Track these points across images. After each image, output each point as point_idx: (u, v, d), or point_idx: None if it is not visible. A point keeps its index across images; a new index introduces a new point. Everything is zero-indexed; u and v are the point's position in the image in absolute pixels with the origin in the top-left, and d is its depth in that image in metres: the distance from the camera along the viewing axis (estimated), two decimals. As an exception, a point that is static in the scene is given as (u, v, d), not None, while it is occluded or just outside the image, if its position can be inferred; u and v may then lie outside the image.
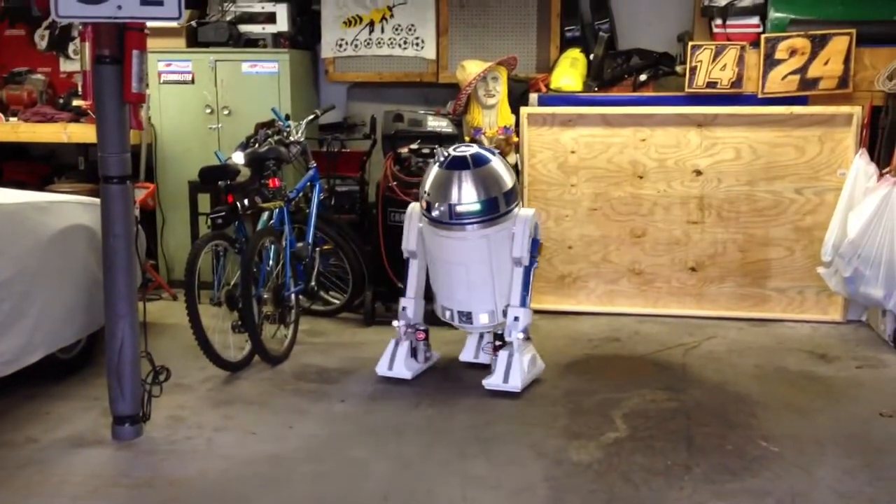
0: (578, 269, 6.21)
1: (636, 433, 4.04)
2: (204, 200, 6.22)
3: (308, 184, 5.63)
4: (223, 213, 4.80)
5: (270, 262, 5.06)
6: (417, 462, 3.75)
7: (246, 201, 4.90)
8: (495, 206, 4.58)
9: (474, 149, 4.70)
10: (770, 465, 3.70)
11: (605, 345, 5.48)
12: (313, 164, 5.68)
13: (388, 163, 5.83)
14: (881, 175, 5.29)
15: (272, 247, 5.08)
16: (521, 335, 4.59)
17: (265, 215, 5.19)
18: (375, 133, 6.21)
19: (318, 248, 5.65)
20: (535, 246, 4.72)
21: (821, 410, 4.33)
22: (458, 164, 4.58)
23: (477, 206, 4.53)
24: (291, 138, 5.47)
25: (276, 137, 5.41)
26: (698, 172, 5.97)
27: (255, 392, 4.61)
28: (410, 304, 4.86)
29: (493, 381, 4.56)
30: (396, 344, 4.82)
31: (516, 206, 4.70)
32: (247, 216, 5.01)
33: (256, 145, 5.31)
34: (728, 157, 5.90)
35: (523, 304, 4.65)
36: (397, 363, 4.78)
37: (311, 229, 5.53)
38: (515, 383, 4.52)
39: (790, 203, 5.87)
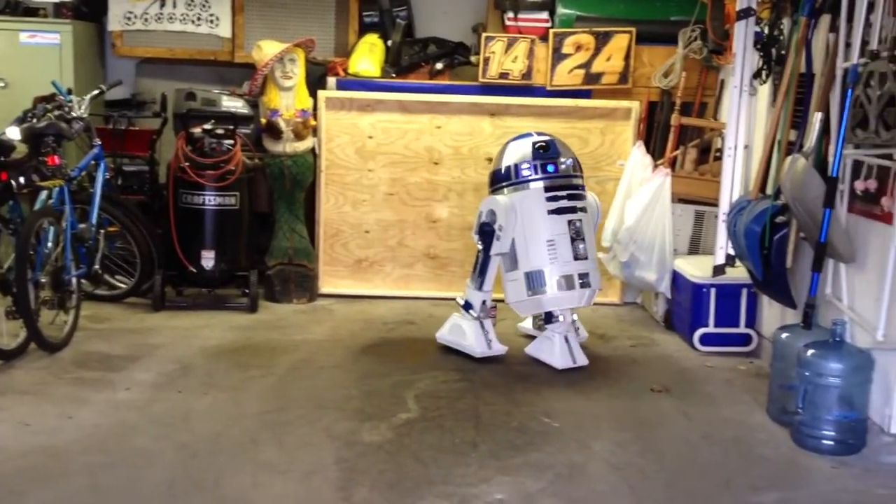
0: (375, 253, 6.27)
1: (427, 413, 4.13)
2: (-25, 178, 5.80)
3: (92, 162, 5.38)
4: (-5, 192, 4.50)
5: (49, 245, 4.78)
6: (205, 450, 3.67)
7: (21, 179, 4.63)
8: (490, 182, 4.97)
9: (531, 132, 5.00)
10: (551, 440, 3.88)
11: (400, 328, 5.56)
12: (97, 141, 5.43)
13: (180, 143, 5.65)
14: (656, 166, 5.65)
15: (51, 228, 4.80)
16: (460, 302, 4.97)
17: (43, 194, 4.88)
18: (166, 111, 6.00)
19: (102, 230, 5.41)
20: (481, 231, 4.84)
21: (599, 387, 4.58)
22: None
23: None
24: (74, 114, 5.18)
25: (56, 112, 5.11)
26: (491, 160, 6.14)
27: (31, 381, 4.35)
28: None
29: None
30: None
31: (499, 188, 4.86)
32: (23, 195, 4.72)
33: (34, 120, 4.99)
34: (519, 146, 6.12)
35: (471, 281, 4.95)
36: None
37: (95, 210, 5.28)
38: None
39: (575, 191, 6.15)
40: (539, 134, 4.93)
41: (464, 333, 4.94)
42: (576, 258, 4.73)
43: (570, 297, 4.75)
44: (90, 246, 5.24)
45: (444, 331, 5.07)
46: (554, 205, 4.75)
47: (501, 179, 4.84)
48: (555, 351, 4.80)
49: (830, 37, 4.19)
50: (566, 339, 4.82)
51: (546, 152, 4.80)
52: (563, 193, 4.77)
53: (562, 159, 4.81)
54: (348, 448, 3.73)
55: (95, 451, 3.64)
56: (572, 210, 4.77)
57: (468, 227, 6.18)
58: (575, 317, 5.07)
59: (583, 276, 4.74)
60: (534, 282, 4.75)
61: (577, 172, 4.88)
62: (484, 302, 4.93)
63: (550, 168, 4.77)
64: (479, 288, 4.90)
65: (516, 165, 4.79)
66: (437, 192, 6.21)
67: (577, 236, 4.74)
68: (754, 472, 3.64)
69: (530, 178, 4.76)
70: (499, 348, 4.93)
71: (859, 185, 3.89)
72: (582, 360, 4.81)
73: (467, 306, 4.94)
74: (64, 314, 4.92)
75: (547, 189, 4.76)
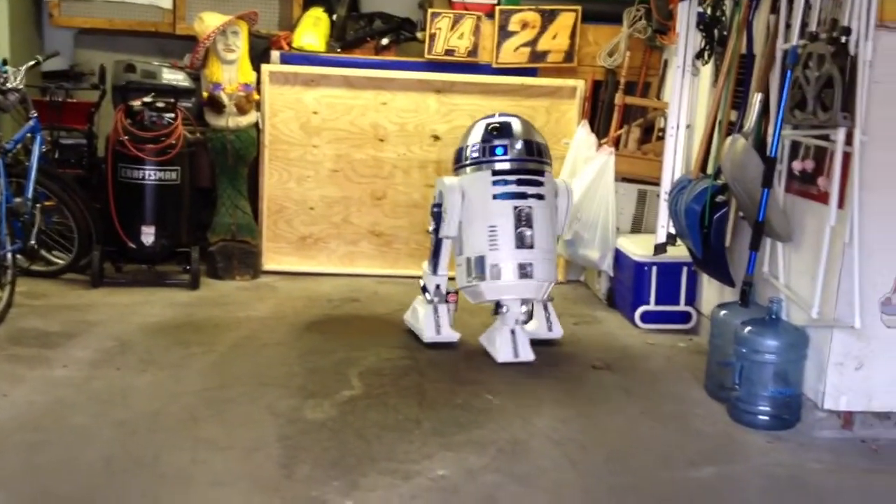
0: (320, 230, 6.23)
1: (371, 390, 4.12)
2: None
3: (28, 135, 5.25)
4: (-75, 164, 4.37)
5: (-18, 219, 4.67)
6: (144, 427, 3.62)
7: (-47, 151, 4.49)
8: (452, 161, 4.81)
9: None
10: (494, 417, 3.90)
11: (345, 305, 5.54)
12: (34, 113, 5.29)
13: (119, 116, 5.54)
14: (600, 145, 5.69)
15: (-16, 202, 4.69)
16: (421, 284, 4.85)
17: (-23, 167, 4.77)
18: (105, 83, 5.87)
19: (38, 204, 5.28)
20: (432, 212, 4.69)
21: (542, 365, 4.59)
22: None
23: None
24: (9, 85, 5.07)
25: (-10, 84, 4.98)
26: (436, 137, 6.15)
27: (-37, 359, 4.26)
28: None
29: None
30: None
31: (458, 168, 4.68)
32: (-45, 168, 4.59)
33: (-32, 91, 4.87)
34: (465, 124, 5.97)
35: (427, 264, 4.82)
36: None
37: (31, 183, 5.16)
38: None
39: (521, 169, 6.15)
40: (503, 114, 4.74)
41: (417, 317, 4.85)
42: (519, 247, 4.49)
43: (509, 287, 4.53)
44: (26, 220, 5.12)
45: (408, 313, 4.98)
46: (500, 189, 4.53)
47: (458, 159, 4.69)
48: (496, 343, 4.61)
49: (771, 18, 4.24)
50: (513, 332, 4.61)
51: (498, 134, 4.58)
52: (512, 178, 4.54)
53: (514, 142, 4.57)
54: (291, 425, 3.71)
55: (31, 428, 3.57)
56: (521, 196, 4.52)
57: (413, 205, 6.19)
58: (550, 311, 4.89)
59: (525, 265, 4.49)
60: (474, 268, 4.55)
61: (536, 157, 4.61)
62: (438, 286, 4.77)
63: (499, 150, 4.55)
64: (434, 271, 4.76)
65: (470, 146, 4.63)
66: (383, 169, 6.18)
67: (523, 223, 4.49)
68: (692, 447, 3.71)
69: (479, 159, 4.58)
70: (449, 335, 4.75)
71: (797, 166, 3.96)
72: (526, 356, 4.57)
73: (425, 289, 4.83)
74: (-1, 290, 4.82)
75: (494, 173, 4.55)
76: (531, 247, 4.50)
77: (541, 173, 4.62)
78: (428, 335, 4.74)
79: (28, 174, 5.19)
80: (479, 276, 4.55)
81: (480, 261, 4.53)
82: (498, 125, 4.64)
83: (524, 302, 4.67)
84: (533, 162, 4.61)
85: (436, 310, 4.77)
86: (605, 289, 5.73)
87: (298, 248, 6.23)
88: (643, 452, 3.65)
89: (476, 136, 4.64)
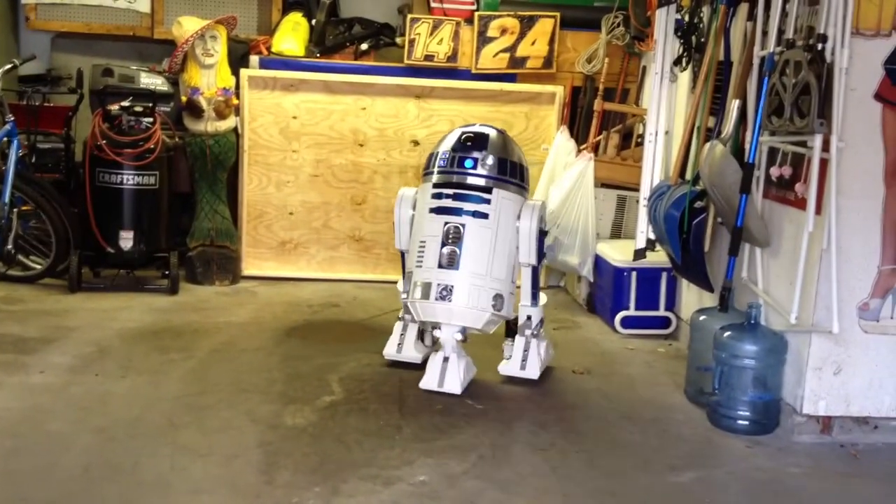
0: (300, 235, 6.22)
1: (351, 396, 4.11)
2: None
3: (4, 139, 5.22)
4: None
5: (-42, 224, 4.63)
6: (123, 434, 3.59)
7: (-71, 156, 4.46)
8: None
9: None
10: (475, 423, 3.90)
11: (325, 310, 5.53)
12: (11, 117, 5.26)
13: (97, 120, 5.51)
14: (579, 151, 5.71)
15: (-40, 207, 4.65)
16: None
17: (-47, 172, 4.74)
18: (82, 87, 5.84)
19: (15, 209, 5.26)
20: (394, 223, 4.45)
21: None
22: None
23: None
24: (-15, 89, 5.03)
25: (-34, 87, 4.95)
26: (416, 143, 6.15)
27: (-61, 365, 4.21)
28: None
29: None
30: None
31: (424, 175, 4.35)
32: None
33: (-57, 95, 4.83)
34: (444, 129, 6.08)
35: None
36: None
37: (8, 188, 5.14)
38: None
39: (501, 175, 6.15)
40: (484, 125, 4.40)
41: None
42: (440, 266, 4.11)
43: (425, 308, 4.17)
44: (2, 225, 5.12)
45: None
46: (436, 203, 4.19)
47: (426, 165, 4.36)
48: (427, 367, 4.24)
49: (748, 25, 4.28)
50: (446, 360, 4.19)
51: (472, 145, 4.22)
52: (450, 192, 4.17)
53: (486, 156, 4.19)
54: (271, 431, 3.70)
55: (7, 435, 3.53)
56: (455, 212, 4.16)
57: (393, 210, 6.15)
58: (531, 348, 4.41)
59: (444, 287, 4.10)
60: (406, 284, 4.28)
61: (508, 176, 4.21)
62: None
63: (468, 163, 4.17)
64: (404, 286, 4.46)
65: (440, 154, 4.28)
66: (363, 174, 6.18)
67: (451, 241, 4.12)
68: (672, 452, 3.72)
69: (444, 168, 4.22)
70: (410, 355, 4.46)
71: (774, 172, 3.99)
72: (451, 387, 4.15)
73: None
74: (-26, 296, 4.78)
75: (435, 185, 4.22)
76: (455, 267, 4.12)
77: (491, 190, 4.19)
78: (386, 351, 4.53)
79: (5, 179, 5.17)
80: (407, 291, 4.26)
81: (409, 276, 4.26)
82: (472, 135, 4.28)
83: (463, 329, 4.22)
84: (494, 179, 4.20)
85: (403, 328, 4.51)
86: (585, 294, 5.75)
87: (278, 254, 6.21)
88: (623, 457, 3.66)
89: (448, 144, 4.30)
